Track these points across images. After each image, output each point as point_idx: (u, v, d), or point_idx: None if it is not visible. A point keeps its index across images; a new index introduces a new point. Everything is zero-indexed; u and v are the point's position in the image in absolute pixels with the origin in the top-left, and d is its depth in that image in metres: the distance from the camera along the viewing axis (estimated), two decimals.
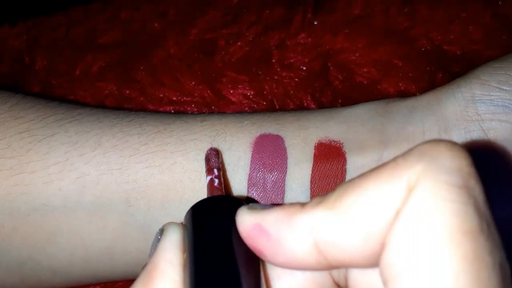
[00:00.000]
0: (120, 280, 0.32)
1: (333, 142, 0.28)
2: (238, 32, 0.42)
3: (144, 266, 0.20)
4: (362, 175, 0.17)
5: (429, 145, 0.16)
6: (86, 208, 0.28)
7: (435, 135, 0.27)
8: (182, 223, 0.21)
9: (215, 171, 0.25)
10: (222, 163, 0.27)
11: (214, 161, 0.26)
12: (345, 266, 0.18)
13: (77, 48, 0.43)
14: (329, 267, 0.18)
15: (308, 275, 0.19)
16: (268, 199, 0.27)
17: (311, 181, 0.27)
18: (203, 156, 0.27)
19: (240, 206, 0.20)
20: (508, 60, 0.28)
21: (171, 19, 0.44)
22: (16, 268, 0.29)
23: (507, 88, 0.26)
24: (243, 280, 0.18)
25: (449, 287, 0.14)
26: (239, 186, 0.27)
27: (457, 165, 0.16)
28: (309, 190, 0.27)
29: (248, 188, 0.27)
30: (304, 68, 0.40)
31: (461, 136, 0.27)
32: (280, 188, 0.27)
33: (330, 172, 0.27)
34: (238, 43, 0.42)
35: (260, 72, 0.40)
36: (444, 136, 0.27)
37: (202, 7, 0.44)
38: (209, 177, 0.25)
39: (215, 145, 0.28)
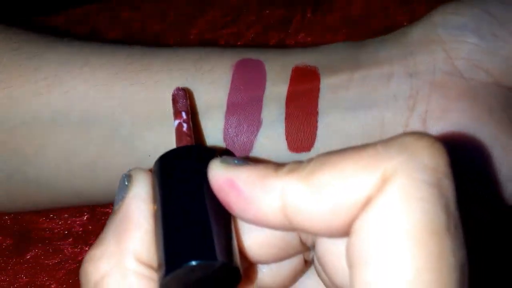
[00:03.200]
0: (102, 202, 0.32)
1: (309, 66, 0.29)
2: (238, 32, 0.42)
3: (113, 213, 0.20)
4: (341, 154, 0.17)
5: (411, 138, 0.16)
6: (73, 122, 0.29)
7: (401, 59, 0.29)
8: (150, 170, 0.21)
9: (183, 114, 0.24)
10: (193, 105, 0.28)
11: (181, 102, 0.25)
12: (308, 233, 0.19)
13: None
14: (293, 229, 0.18)
15: (275, 233, 0.20)
16: (246, 116, 0.29)
17: (286, 98, 0.29)
18: (187, 75, 0.28)
19: (211, 157, 0.19)
20: None
21: (171, 19, 0.44)
22: (4, 181, 0.30)
23: (462, 13, 0.29)
24: (214, 231, 0.18)
25: (411, 283, 0.15)
26: (219, 104, 0.29)
27: (434, 164, 0.16)
28: (284, 107, 0.29)
29: (227, 104, 0.29)
30: None
31: (425, 56, 0.28)
32: (258, 105, 0.29)
33: (305, 90, 0.29)
34: (238, 43, 0.42)
35: None
36: (410, 59, 0.28)
37: (202, 7, 0.44)
38: (177, 121, 0.24)
39: (198, 67, 0.29)
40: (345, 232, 0.17)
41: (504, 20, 0.28)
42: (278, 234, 0.20)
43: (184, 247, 0.18)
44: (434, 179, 0.16)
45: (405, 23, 0.41)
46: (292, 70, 0.29)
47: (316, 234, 0.18)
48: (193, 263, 0.17)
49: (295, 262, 0.21)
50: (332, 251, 0.19)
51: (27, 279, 0.32)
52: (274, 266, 0.21)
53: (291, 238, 0.20)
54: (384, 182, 0.16)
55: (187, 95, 0.27)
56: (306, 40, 0.41)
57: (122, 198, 0.20)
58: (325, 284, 0.21)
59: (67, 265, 0.33)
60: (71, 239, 0.34)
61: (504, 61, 0.28)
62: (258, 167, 0.18)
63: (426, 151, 0.16)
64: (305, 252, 0.21)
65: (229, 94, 0.29)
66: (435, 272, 0.15)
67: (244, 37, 0.42)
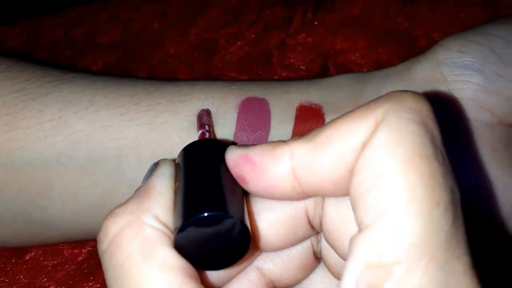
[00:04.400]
0: None
1: (313, 104, 0.30)
2: (238, 32, 0.42)
3: (137, 189, 0.21)
4: (337, 117, 0.19)
5: (397, 92, 0.19)
6: (79, 163, 0.29)
7: None
8: (175, 161, 0.23)
9: (206, 126, 0.27)
10: (212, 124, 0.29)
11: (205, 118, 0.28)
12: (316, 193, 0.20)
13: (77, 48, 0.43)
14: (303, 194, 0.20)
15: (285, 211, 0.21)
16: None
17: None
18: (192, 117, 0.29)
19: (227, 147, 0.22)
20: (468, 30, 0.30)
21: (171, 19, 0.44)
22: (9, 221, 0.30)
23: (467, 51, 0.29)
24: (228, 196, 0.20)
25: (406, 197, 0.16)
26: None
27: (418, 107, 0.18)
28: None
29: None
30: (304, 68, 0.40)
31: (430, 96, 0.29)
32: None
33: (310, 130, 0.29)
34: (238, 43, 0.42)
35: (260, 72, 0.40)
36: None
37: (202, 6, 0.44)
38: (200, 131, 0.26)
39: (203, 107, 0.30)
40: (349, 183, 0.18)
41: (509, 59, 0.28)
42: (287, 212, 0.21)
43: (199, 204, 0.19)
44: (419, 118, 0.18)
45: (406, 24, 0.41)
46: (297, 109, 0.29)
47: (323, 193, 0.20)
48: (206, 214, 0.19)
49: (304, 254, 0.22)
50: (337, 219, 0.20)
51: (26, 280, 0.32)
52: (285, 257, 0.22)
53: (299, 217, 0.21)
54: (376, 125, 0.18)
55: (211, 114, 0.29)
56: (307, 40, 0.41)
57: (148, 177, 0.21)
58: (332, 271, 0.22)
59: (66, 266, 0.33)
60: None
61: (508, 101, 0.28)
62: (269, 143, 0.20)
63: (410, 98, 0.18)
64: (312, 238, 0.22)
65: (235, 134, 0.29)
66: (428, 188, 0.16)
67: (244, 37, 0.42)
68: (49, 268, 0.33)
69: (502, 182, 0.28)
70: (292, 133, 0.29)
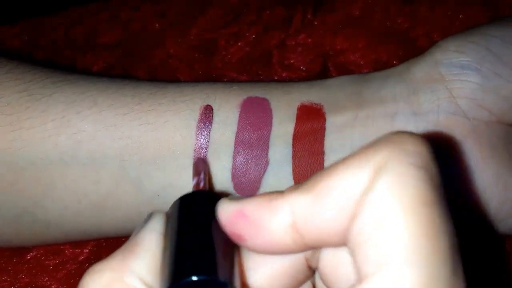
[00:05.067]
0: (110, 236, 0.33)
1: (314, 104, 0.30)
2: (238, 32, 0.42)
3: (126, 242, 0.20)
4: (335, 163, 0.18)
5: (394, 134, 0.18)
6: (81, 163, 0.29)
7: (405, 97, 0.29)
8: (166, 213, 0.22)
9: (201, 175, 0.26)
10: (208, 172, 0.29)
11: (201, 166, 0.27)
12: (319, 245, 0.19)
13: (77, 48, 0.43)
14: (305, 246, 0.19)
15: (284, 261, 0.21)
16: (254, 155, 0.29)
17: (293, 138, 0.29)
18: (194, 116, 0.29)
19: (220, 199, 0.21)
20: (465, 31, 0.30)
21: (171, 19, 0.44)
22: (12, 220, 0.30)
23: (465, 51, 0.29)
24: (218, 257, 0.19)
25: (408, 248, 0.16)
26: (227, 144, 0.29)
27: (418, 150, 0.18)
28: (291, 146, 0.29)
29: (235, 144, 0.29)
30: (304, 69, 0.40)
31: (428, 95, 0.29)
32: (265, 144, 0.29)
33: (311, 130, 0.29)
34: (238, 43, 0.42)
35: (260, 72, 0.40)
36: (413, 98, 0.29)
37: (202, 7, 0.44)
38: (195, 179, 0.26)
39: (206, 103, 0.30)
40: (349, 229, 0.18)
41: (506, 59, 0.28)
42: (286, 264, 0.21)
43: (188, 266, 0.18)
44: (420, 162, 0.17)
45: (405, 24, 0.41)
46: (298, 109, 0.29)
47: (324, 243, 0.19)
48: (194, 278, 0.18)
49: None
50: (334, 262, 0.20)
51: (27, 280, 0.32)
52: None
53: (299, 264, 0.21)
54: (376, 172, 0.17)
55: (207, 162, 0.29)
56: (307, 41, 0.41)
57: (138, 231, 0.21)
58: None
59: (67, 265, 0.33)
60: None
61: (506, 100, 0.28)
62: (263, 195, 0.19)
63: (409, 141, 0.18)
64: (311, 277, 0.22)
65: (237, 133, 0.29)
66: (429, 237, 0.16)
67: (244, 37, 0.42)
68: (51, 267, 0.33)
69: (502, 179, 0.28)
70: (294, 132, 0.29)
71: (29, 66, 0.31)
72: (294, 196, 0.19)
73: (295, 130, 0.29)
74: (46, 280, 0.32)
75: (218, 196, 0.22)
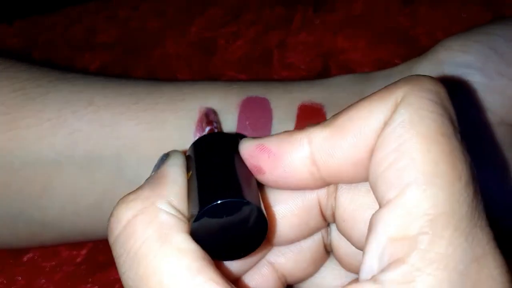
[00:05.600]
0: (106, 237, 0.32)
1: (314, 104, 0.30)
2: (238, 31, 0.42)
3: (148, 178, 0.21)
4: (355, 102, 0.19)
5: (414, 76, 0.19)
6: (78, 163, 0.28)
7: None
8: (186, 153, 0.22)
9: (214, 123, 0.27)
10: (219, 121, 0.29)
11: (212, 116, 0.28)
12: (335, 180, 0.20)
13: (76, 47, 0.43)
14: (321, 181, 0.20)
15: (298, 202, 0.21)
16: None
17: None
18: (193, 115, 0.29)
19: (239, 139, 0.22)
20: (469, 30, 0.30)
21: (170, 18, 0.44)
22: (9, 222, 0.30)
23: (468, 50, 0.29)
24: (243, 184, 0.19)
25: (430, 171, 0.17)
26: None
27: (436, 89, 0.18)
28: None
29: None
30: (305, 68, 0.40)
31: None
32: None
33: None
34: (238, 42, 0.41)
35: (260, 72, 0.40)
36: None
37: (202, 6, 0.44)
38: (208, 127, 0.27)
39: (204, 106, 0.30)
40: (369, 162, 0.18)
41: (510, 58, 0.28)
42: (299, 203, 0.21)
43: (215, 192, 0.19)
44: (438, 99, 0.18)
45: (406, 24, 0.41)
46: (298, 108, 0.29)
47: (342, 178, 0.20)
48: (223, 200, 0.19)
49: (315, 247, 0.22)
50: (351, 207, 0.20)
51: (24, 282, 0.32)
52: (296, 251, 0.22)
53: (312, 207, 0.21)
54: (396, 105, 0.18)
55: (217, 113, 0.29)
56: (307, 40, 0.41)
57: (158, 167, 0.21)
58: (343, 263, 0.22)
59: (64, 267, 0.33)
60: None
61: (510, 100, 0.28)
62: (286, 132, 0.20)
63: (428, 81, 0.18)
64: (323, 230, 0.22)
65: (236, 134, 0.29)
66: (449, 163, 0.17)
67: (244, 36, 0.42)
68: (47, 269, 0.33)
69: (507, 183, 0.28)
70: None
71: (25, 65, 0.31)
72: (314, 130, 0.19)
73: (295, 129, 0.29)
74: (43, 282, 0.32)
75: (235, 136, 0.23)
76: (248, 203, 0.19)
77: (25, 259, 0.33)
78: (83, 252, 0.33)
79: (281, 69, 0.40)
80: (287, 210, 0.21)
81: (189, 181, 0.20)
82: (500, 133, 0.28)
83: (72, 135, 0.28)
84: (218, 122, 0.27)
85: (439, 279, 0.15)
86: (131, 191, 0.29)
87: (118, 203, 0.19)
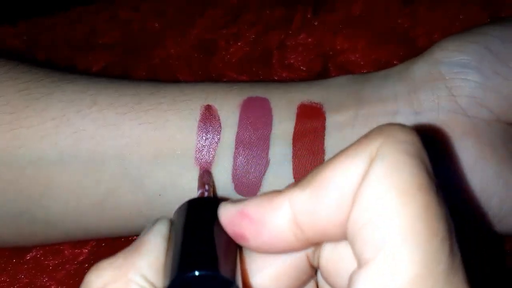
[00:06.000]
0: (110, 236, 0.33)
1: (314, 103, 0.30)
2: (238, 32, 0.42)
3: (129, 245, 0.21)
4: (331, 158, 0.19)
5: (385, 125, 0.19)
6: (81, 162, 0.29)
7: (405, 96, 0.29)
8: (171, 219, 0.22)
9: (206, 186, 0.27)
10: (213, 183, 0.29)
11: (206, 178, 0.28)
12: (320, 239, 0.20)
13: (77, 48, 0.43)
14: (307, 242, 0.19)
15: (286, 261, 0.21)
16: (254, 155, 0.29)
17: (293, 137, 0.29)
18: (195, 115, 0.29)
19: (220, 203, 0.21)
20: (465, 31, 0.30)
21: (171, 19, 0.44)
22: (12, 220, 0.30)
23: (464, 50, 0.29)
24: (221, 261, 0.19)
25: (405, 230, 0.16)
26: (227, 144, 0.29)
27: (409, 139, 0.18)
28: (292, 145, 0.29)
29: (236, 144, 0.29)
30: (304, 69, 0.40)
31: (428, 94, 0.29)
32: (265, 144, 0.29)
33: (311, 129, 0.29)
34: (238, 43, 0.42)
35: (260, 72, 0.40)
36: (413, 96, 0.29)
37: (202, 7, 0.44)
38: (200, 191, 0.26)
39: (206, 103, 0.30)
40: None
41: (506, 58, 0.28)
42: (288, 262, 0.21)
43: (189, 263, 0.19)
44: (413, 150, 0.18)
45: (406, 24, 0.41)
46: (298, 108, 0.30)
47: (327, 238, 0.19)
48: (196, 273, 0.18)
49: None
50: (334, 258, 0.20)
51: (27, 280, 0.32)
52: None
53: (301, 263, 0.21)
54: (371, 160, 0.18)
55: (211, 175, 0.29)
56: (307, 41, 0.41)
57: (143, 234, 0.21)
58: None
59: (67, 266, 0.33)
60: None
61: (506, 98, 0.28)
62: (263, 195, 0.20)
63: (400, 131, 0.18)
64: (314, 277, 0.22)
65: (237, 134, 0.29)
66: (425, 220, 0.17)
67: (245, 37, 0.42)
68: (50, 267, 0.33)
69: (503, 178, 0.28)
70: (294, 132, 0.29)
71: (29, 66, 0.31)
72: (293, 192, 0.19)
73: (295, 129, 0.29)
74: (46, 280, 0.32)
75: (219, 200, 0.22)
76: (221, 276, 0.18)
77: (28, 257, 0.33)
78: (86, 250, 0.33)
79: (281, 69, 0.40)
80: (277, 273, 0.21)
81: (167, 251, 0.20)
82: (496, 131, 0.28)
83: (76, 134, 0.29)
84: (211, 185, 0.27)
85: None
86: (134, 190, 0.29)
87: (91, 268, 0.19)
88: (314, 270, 0.22)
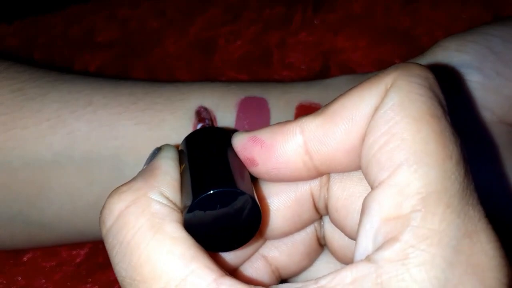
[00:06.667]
0: None
1: (312, 104, 0.30)
2: (238, 30, 0.42)
3: (141, 170, 0.21)
4: (347, 90, 0.19)
5: (403, 64, 0.19)
6: (76, 163, 0.28)
7: None
8: (178, 147, 0.22)
9: (206, 120, 0.27)
10: (214, 117, 0.29)
11: (204, 113, 0.28)
12: (329, 169, 0.20)
13: (75, 46, 0.43)
14: (315, 171, 0.20)
15: (291, 195, 0.21)
16: None
17: None
18: (191, 115, 0.29)
19: (231, 133, 0.22)
20: (466, 31, 0.30)
21: (169, 18, 0.44)
22: (7, 223, 0.30)
23: (466, 50, 0.29)
24: (239, 182, 0.19)
25: (420, 151, 0.17)
26: None
27: (424, 74, 0.18)
28: None
29: None
30: (304, 67, 0.40)
31: None
32: None
33: None
34: (238, 42, 0.41)
35: (260, 71, 0.40)
36: None
37: (202, 5, 0.44)
38: (200, 125, 0.27)
39: (202, 105, 0.30)
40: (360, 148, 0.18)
41: (507, 59, 0.28)
42: (292, 195, 0.21)
43: (208, 182, 0.19)
44: (427, 84, 0.18)
45: (407, 23, 0.41)
46: (296, 108, 0.29)
47: (335, 167, 0.20)
48: (216, 190, 0.18)
49: (309, 240, 0.23)
50: (344, 196, 0.20)
51: (24, 282, 0.32)
52: (290, 244, 0.22)
53: (304, 199, 0.21)
54: (386, 91, 0.18)
55: (209, 110, 0.29)
56: (307, 39, 0.41)
57: (151, 160, 0.21)
58: (336, 255, 0.22)
59: (64, 267, 0.33)
60: None
61: (507, 99, 0.28)
62: (276, 124, 0.20)
63: (416, 67, 0.19)
64: (316, 223, 0.22)
65: (229, 129, 0.29)
66: (440, 143, 0.17)
67: (244, 36, 0.42)
68: (47, 269, 0.33)
69: (506, 180, 0.28)
70: None
71: (24, 66, 0.31)
72: (306, 119, 0.19)
73: None
74: (43, 282, 0.32)
75: (228, 131, 0.23)
76: (242, 193, 0.19)
77: (25, 259, 0.33)
78: (83, 252, 0.33)
79: (281, 69, 0.40)
80: (280, 203, 0.21)
81: (182, 174, 0.20)
82: (497, 132, 0.28)
83: (71, 135, 0.28)
84: (212, 119, 0.27)
85: (432, 255, 0.16)
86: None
87: (110, 194, 0.19)
88: (317, 215, 0.22)
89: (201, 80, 0.33)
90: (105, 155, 0.28)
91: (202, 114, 0.28)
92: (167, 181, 0.20)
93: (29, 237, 0.31)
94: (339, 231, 0.21)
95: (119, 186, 0.19)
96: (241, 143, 0.20)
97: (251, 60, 0.41)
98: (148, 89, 0.30)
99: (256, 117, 0.29)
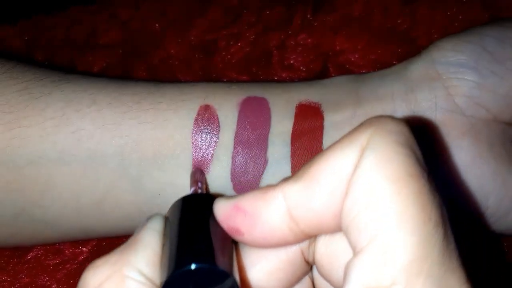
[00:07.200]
0: (110, 236, 0.33)
1: (312, 103, 0.30)
2: (238, 32, 0.42)
3: (124, 242, 0.20)
4: (323, 151, 0.19)
5: (375, 117, 0.19)
6: (81, 161, 0.29)
7: (402, 95, 0.29)
8: (166, 216, 0.22)
9: (199, 184, 0.27)
10: (205, 181, 0.29)
11: (199, 176, 0.28)
12: (315, 232, 0.20)
13: (77, 48, 0.43)
14: (301, 235, 0.19)
15: (281, 256, 0.21)
16: (253, 155, 0.29)
17: (291, 137, 0.29)
18: (194, 115, 0.29)
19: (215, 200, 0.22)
20: (462, 31, 0.30)
21: (171, 19, 0.44)
22: (11, 220, 0.30)
23: (461, 50, 0.29)
24: (217, 255, 0.19)
25: (399, 216, 0.16)
26: (226, 144, 0.29)
27: (400, 129, 0.18)
28: (290, 145, 0.29)
29: (234, 144, 0.29)
30: (304, 69, 0.40)
31: (426, 93, 0.29)
32: (264, 143, 0.29)
33: (309, 128, 0.29)
34: (238, 44, 0.42)
35: (260, 73, 0.40)
36: (411, 96, 0.29)
37: (202, 7, 0.44)
38: (193, 188, 0.26)
39: (205, 103, 0.30)
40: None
41: (502, 57, 0.29)
42: (282, 257, 0.21)
43: (186, 257, 0.19)
44: (403, 140, 0.18)
45: (405, 25, 0.41)
46: (296, 107, 0.30)
47: (323, 230, 0.19)
48: (193, 266, 0.18)
49: (303, 285, 0.22)
50: (329, 252, 0.20)
51: (28, 279, 0.32)
52: None
53: (295, 258, 0.21)
54: (362, 151, 0.18)
55: (204, 173, 0.29)
56: (307, 41, 0.41)
57: (138, 231, 0.21)
58: None
59: (67, 265, 0.33)
60: None
61: (503, 98, 0.28)
62: (257, 189, 0.20)
63: (390, 122, 0.18)
64: (309, 273, 0.22)
65: (236, 133, 0.29)
66: (418, 205, 0.17)
67: (245, 37, 0.42)
68: (51, 267, 0.33)
69: (501, 177, 0.28)
70: (292, 131, 0.29)
71: (28, 66, 0.31)
72: (286, 185, 0.19)
73: (293, 128, 0.29)
74: (46, 280, 0.32)
75: (215, 198, 0.22)
76: (219, 269, 0.18)
77: (28, 257, 0.33)
78: (86, 249, 0.33)
79: (281, 70, 0.40)
80: (271, 267, 0.21)
81: (163, 247, 0.20)
82: (493, 131, 0.28)
83: (75, 133, 0.29)
84: (203, 183, 0.27)
85: None
86: (133, 189, 0.29)
87: (87, 267, 0.19)
88: (309, 266, 0.22)
89: (202, 81, 0.34)
90: (109, 154, 0.29)
91: (196, 175, 0.28)
92: (145, 256, 0.19)
93: (33, 234, 0.31)
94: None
95: (96, 260, 0.19)
96: (223, 213, 0.20)
97: (252, 62, 0.41)
98: (152, 89, 0.30)
99: (258, 116, 0.30)
